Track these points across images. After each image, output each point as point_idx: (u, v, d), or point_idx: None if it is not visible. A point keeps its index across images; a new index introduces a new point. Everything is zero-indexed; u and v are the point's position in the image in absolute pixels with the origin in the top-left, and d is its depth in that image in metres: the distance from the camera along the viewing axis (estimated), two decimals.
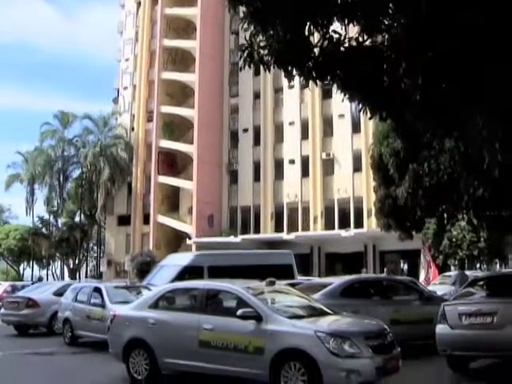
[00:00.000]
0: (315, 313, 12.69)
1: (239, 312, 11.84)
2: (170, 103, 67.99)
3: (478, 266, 50.37)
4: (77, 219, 75.60)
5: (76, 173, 74.48)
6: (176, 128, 67.95)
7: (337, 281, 18.22)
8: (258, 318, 11.66)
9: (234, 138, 67.32)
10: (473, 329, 13.22)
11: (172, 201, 67.43)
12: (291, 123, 63.18)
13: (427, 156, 21.74)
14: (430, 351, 14.56)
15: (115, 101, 76.09)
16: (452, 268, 46.25)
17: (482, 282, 16.24)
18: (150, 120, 68.85)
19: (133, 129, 70.90)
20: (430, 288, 25.14)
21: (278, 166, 63.59)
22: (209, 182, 64.21)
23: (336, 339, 10.94)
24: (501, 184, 18.61)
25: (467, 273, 31.78)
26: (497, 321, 12.93)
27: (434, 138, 18.13)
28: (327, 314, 12.73)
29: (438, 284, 30.53)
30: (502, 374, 14.11)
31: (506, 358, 13.74)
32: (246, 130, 66.32)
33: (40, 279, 41.15)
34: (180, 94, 68.58)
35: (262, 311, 11.75)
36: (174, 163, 68.50)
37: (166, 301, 13.96)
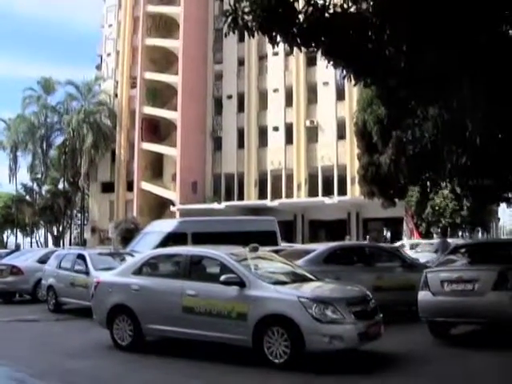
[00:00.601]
0: (298, 279, 12.73)
1: (222, 278, 11.85)
2: (154, 69, 67.55)
3: (460, 234, 50.71)
4: (60, 186, 75.25)
5: (59, 140, 74.12)
6: (160, 95, 67.60)
7: (320, 247, 18.24)
8: (241, 283, 11.68)
9: (218, 104, 67.13)
10: (454, 295, 13.31)
11: (156, 168, 67.28)
12: (275, 90, 63.04)
13: (411, 124, 21.70)
14: (412, 317, 14.67)
15: (98, 67, 75.48)
16: (435, 236, 46.55)
17: (463, 250, 16.33)
18: (133, 86, 68.43)
19: (116, 95, 70.55)
20: (413, 255, 25.26)
21: (262, 133, 63.55)
22: (192, 148, 64.04)
23: (319, 305, 10.98)
24: (483, 153, 18.66)
25: (449, 240, 31.98)
26: (478, 288, 13.02)
27: (417, 105, 18.08)
28: (310, 280, 12.78)
29: (420, 251, 30.71)
30: (481, 339, 14.26)
31: (486, 324, 13.87)
32: (230, 97, 66.10)
33: (17, 247, 40.84)
34: (164, 60, 68.06)
35: (245, 277, 11.76)
36: (157, 130, 68.30)
37: (149, 267, 13.95)
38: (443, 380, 10.16)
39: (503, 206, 46.23)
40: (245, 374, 10.74)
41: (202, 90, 66.71)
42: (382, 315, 12.11)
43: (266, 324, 11.23)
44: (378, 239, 46.61)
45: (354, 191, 53.05)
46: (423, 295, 13.82)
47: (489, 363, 11.44)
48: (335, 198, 56.40)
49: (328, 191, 58.51)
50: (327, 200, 56.17)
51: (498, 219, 75.98)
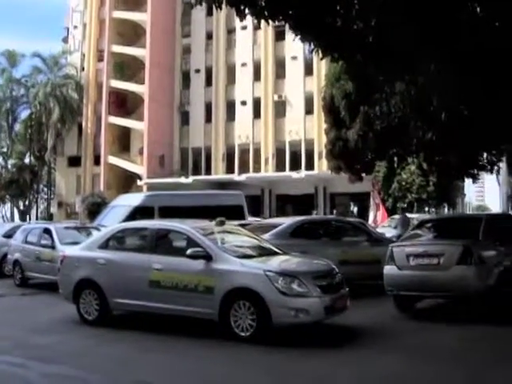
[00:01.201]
0: (265, 253, 12.75)
1: (189, 251, 11.82)
2: (122, 43, 66.68)
3: (426, 209, 51.04)
4: (27, 161, 74.32)
5: (25, 113, 73.20)
6: (127, 68, 66.91)
7: (287, 221, 18.27)
8: (207, 257, 11.66)
9: (186, 78, 66.65)
10: (419, 270, 13.43)
11: (123, 141, 66.73)
12: (243, 64, 62.76)
13: (378, 99, 21.74)
14: (378, 291, 14.77)
15: (65, 40, 74.32)
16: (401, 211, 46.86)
17: (429, 225, 16.46)
18: (100, 60, 67.57)
19: (83, 69, 69.61)
20: (379, 230, 25.40)
21: (230, 107, 63.33)
22: (160, 122, 63.65)
23: (285, 278, 11.02)
24: (449, 129, 18.77)
25: (415, 216, 32.24)
26: (443, 262, 13.15)
27: (385, 81, 18.12)
28: (277, 253, 12.80)
29: (387, 226, 30.89)
30: (446, 313, 14.42)
31: (450, 298, 14.03)
32: (197, 71, 65.65)
33: None
34: (131, 33, 67.22)
35: (212, 251, 11.75)
36: (124, 103, 67.67)
37: (116, 241, 13.86)
38: (408, 353, 10.23)
39: (469, 182, 46.75)
40: (211, 348, 10.74)
41: (169, 63, 66.16)
42: (347, 289, 12.17)
43: (233, 298, 11.23)
44: (345, 214, 46.85)
45: (322, 166, 53.10)
46: (389, 269, 13.92)
47: (453, 336, 11.56)
48: (303, 173, 56.43)
49: (295, 166, 58.54)
50: (295, 174, 56.20)
51: (464, 195, 76.71)
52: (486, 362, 9.51)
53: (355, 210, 55.50)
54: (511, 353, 10.07)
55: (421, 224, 16.39)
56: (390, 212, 43.20)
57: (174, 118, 66.37)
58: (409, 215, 29.87)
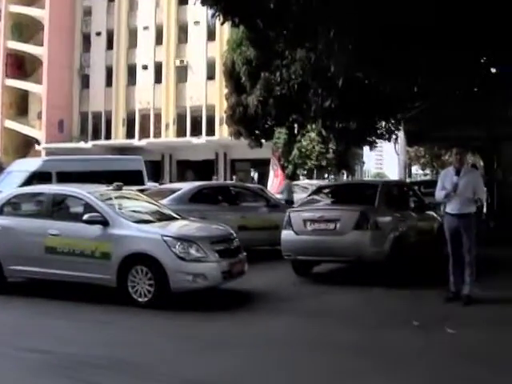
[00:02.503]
0: (163, 218, 12.59)
1: (85, 217, 11.55)
2: (20, 3, 64.49)
3: (326, 176, 51.85)
4: None
5: None
6: (25, 29, 64.88)
7: (185, 186, 18.12)
8: (104, 222, 11.42)
9: (87, 41, 65.23)
10: (316, 234, 13.54)
11: (20, 105, 64.94)
12: (146, 28, 61.86)
13: (279, 65, 21.79)
14: (276, 256, 14.86)
15: None
16: (301, 177, 47.42)
17: (326, 191, 16.67)
18: None
19: None
20: (279, 196, 25.57)
21: (131, 71, 62.48)
22: (59, 86, 62.14)
23: (182, 243, 10.93)
24: (347, 96, 18.99)
25: (314, 182, 32.67)
26: (339, 227, 13.30)
27: (285, 47, 18.16)
28: (175, 219, 12.68)
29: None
30: (342, 277, 14.65)
31: (347, 262, 14.25)
32: (98, 34, 64.33)
33: None
34: None
35: (109, 216, 11.51)
36: (22, 66, 65.71)
37: (11, 206, 13.40)
38: (303, 316, 10.33)
39: (368, 149, 47.67)
40: (110, 313, 10.58)
41: (69, 25, 64.46)
42: (245, 254, 12.19)
43: (130, 263, 11.07)
44: (245, 180, 47.01)
45: (222, 132, 53.12)
46: (286, 234, 13.99)
47: (349, 298, 11.77)
48: (203, 138, 56.40)
49: (196, 131, 58.39)
50: (195, 140, 56.09)
51: (363, 163, 78.24)
52: (381, 323, 9.70)
53: (256, 176, 55.81)
54: (404, 313, 10.29)
55: (318, 190, 16.56)
56: (290, 179, 43.64)
57: (74, 82, 64.93)
58: (306, 181, 30.20)
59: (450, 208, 11.18)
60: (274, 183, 35.54)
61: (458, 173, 11.09)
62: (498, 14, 10.77)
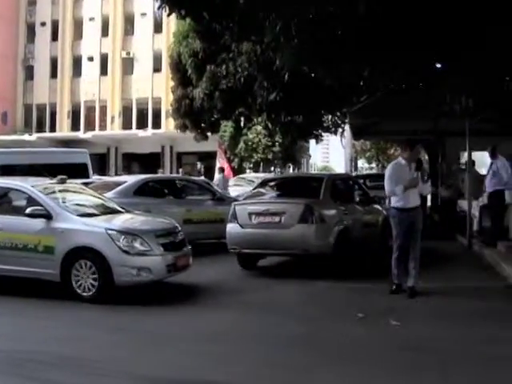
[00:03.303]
0: (108, 211, 12.43)
1: (28, 210, 11.32)
2: None
3: (272, 169, 52.04)
4: None
5: None
6: None
7: (130, 179, 17.96)
8: (47, 216, 11.22)
9: (31, 31, 64.15)
10: (262, 228, 13.53)
11: None
12: (91, 19, 61.20)
13: (225, 58, 21.72)
14: (222, 250, 14.80)
15: None
16: (247, 171, 47.48)
17: (272, 184, 16.66)
18: None
19: None
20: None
21: (76, 62, 61.82)
22: (2, 77, 60.99)
23: (127, 237, 10.82)
24: (293, 89, 19.02)
25: (260, 175, 32.72)
26: (284, 220, 13.31)
27: (232, 40, 18.12)
28: (119, 212, 12.54)
29: (232, 186, 31.12)
30: (287, 270, 14.68)
31: (292, 255, 14.27)
32: (43, 24, 63.33)
33: None
34: None
35: (52, 209, 11.31)
36: None
37: None
38: (250, 309, 10.31)
39: (314, 143, 47.93)
40: (54, 309, 10.40)
41: (13, 15, 63.26)
42: (190, 247, 12.11)
43: (74, 257, 10.90)
44: (192, 173, 46.89)
45: (169, 124, 52.87)
46: (231, 227, 13.96)
47: (294, 292, 11.75)
48: (149, 131, 56.11)
49: (142, 124, 58.03)
50: (141, 133, 55.78)
51: (310, 156, 78.68)
52: (325, 316, 9.73)
53: (202, 169, 55.75)
54: (348, 306, 10.34)
55: (264, 183, 16.55)
56: (237, 172, 43.65)
57: (18, 73, 63.86)
58: (253, 175, 30.20)
59: (403, 203, 11.04)
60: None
61: (411, 167, 11.03)
62: (443, 13, 10.87)
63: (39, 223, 11.26)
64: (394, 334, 8.60)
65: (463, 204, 19.90)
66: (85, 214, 11.80)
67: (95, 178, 25.12)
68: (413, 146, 11.24)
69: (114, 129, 59.23)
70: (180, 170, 46.87)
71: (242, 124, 38.23)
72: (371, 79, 13.50)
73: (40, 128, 61.79)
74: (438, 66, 14.55)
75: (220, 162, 36.24)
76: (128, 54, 59.30)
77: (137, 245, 10.85)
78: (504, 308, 10.08)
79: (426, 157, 28.57)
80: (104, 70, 60.17)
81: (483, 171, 18.47)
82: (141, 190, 16.97)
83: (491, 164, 17.29)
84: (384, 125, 23.11)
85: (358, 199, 16.24)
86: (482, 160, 17.57)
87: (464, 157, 21.34)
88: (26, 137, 56.58)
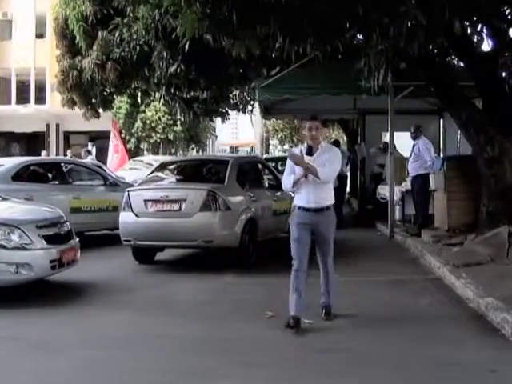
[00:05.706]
0: None
1: None
2: None
3: (173, 150, 51.91)
4: None
5: None
6: None
7: (8, 162, 17.63)
8: None
9: None
10: (159, 217, 13.57)
11: None
12: None
13: (119, 23, 21.51)
14: (115, 242, 14.77)
15: None
16: (145, 153, 47.25)
17: (171, 167, 16.66)
18: None
19: None
20: (119, 174, 25.43)
21: None
22: None
23: (2, 228, 10.65)
24: (195, 61, 19.04)
25: (159, 157, 32.68)
26: (185, 208, 13.38)
27: (127, 2, 18.01)
28: None
29: (128, 169, 31.02)
30: (189, 264, 14.78)
31: (194, 247, 14.36)
32: None
33: None
34: None
35: None
36: None
37: None
38: (146, 308, 10.36)
39: (223, 122, 48.02)
40: None
41: None
42: (78, 239, 12.05)
43: None
44: (81, 155, 46.39)
45: (55, 100, 51.91)
46: (125, 217, 13.93)
47: (196, 289, 11.91)
48: (32, 107, 55.06)
49: (23, 99, 56.90)
50: (22, 109, 54.67)
51: (216, 136, 78.85)
52: (231, 315, 9.87)
53: (94, 150, 55.15)
54: (257, 303, 10.49)
55: (162, 166, 16.55)
56: (133, 154, 43.41)
57: None
58: (151, 157, 30.09)
59: (300, 201, 9.58)
60: (114, 159, 35.28)
61: (310, 152, 9.12)
62: None
63: None
64: (305, 333, 8.77)
65: (384, 190, 20.35)
66: None
67: None
68: (312, 125, 9.04)
69: None
70: (68, 151, 46.16)
71: (139, 100, 37.96)
72: (283, 50, 13.57)
73: None
74: (360, 36, 14.78)
75: (114, 142, 35.96)
76: (5, 15, 57.75)
77: (15, 237, 10.66)
78: (428, 306, 10.44)
79: (345, 138, 29.10)
80: None
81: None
82: (20, 174, 16.72)
83: (413, 146, 17.76)
84: (297, 102, 23.38)
85: (267, 184, 16.45)
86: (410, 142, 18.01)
87: (386, 137, 21.78)
88: None
